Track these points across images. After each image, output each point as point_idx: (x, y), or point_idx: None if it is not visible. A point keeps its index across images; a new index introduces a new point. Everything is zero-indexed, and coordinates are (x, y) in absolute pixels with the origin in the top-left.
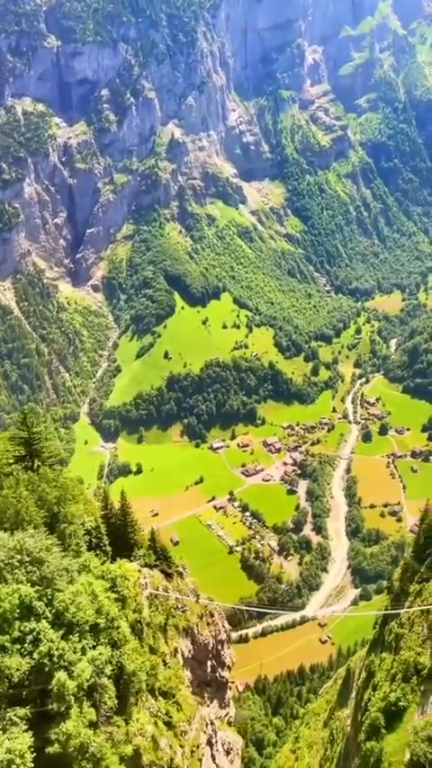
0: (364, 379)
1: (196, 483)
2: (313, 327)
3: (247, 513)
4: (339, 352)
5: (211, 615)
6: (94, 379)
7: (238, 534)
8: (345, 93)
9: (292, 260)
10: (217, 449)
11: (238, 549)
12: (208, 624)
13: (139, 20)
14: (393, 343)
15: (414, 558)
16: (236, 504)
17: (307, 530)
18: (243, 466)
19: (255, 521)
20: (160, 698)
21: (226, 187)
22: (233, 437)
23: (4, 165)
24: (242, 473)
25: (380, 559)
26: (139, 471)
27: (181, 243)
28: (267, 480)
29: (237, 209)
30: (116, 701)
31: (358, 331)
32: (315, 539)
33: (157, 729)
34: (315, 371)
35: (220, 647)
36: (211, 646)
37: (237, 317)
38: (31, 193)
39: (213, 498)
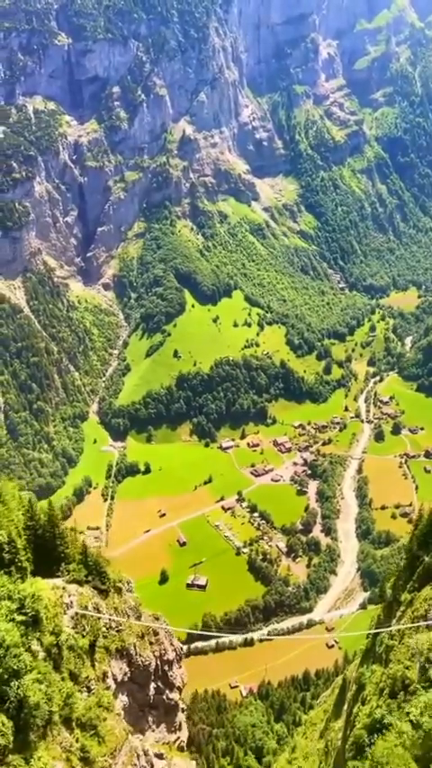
0: (377, 378)
1: (205, 483)
2: (326, 325)
3: (256, 514)
4: (353, 350)
5: (156, 634)
6: (103, 378)
7: (245, 535)
8: (360, 88)
9: (306, 257)
10: (226, 448)
11: (246, 550)
12: (151, 644)
13: (150, 16)
14: (408, 340)
15: (407, 567)
16: (244, 504)
17: (316, 531)
18: (252, 466)
19: (263, 522)
20: (78, 730)
21: (238, 184)
22: (243, 436)
23: (14, 164)
24: (251, 473)
25: (390, 562)
26: (147, 471)
27: (192, 240)
28: (277, 480)
29: (249, 205)
30: (12, 739)
31: (372, 329)
32: (324, 540)
33: (68, 767)
34: (327, 370)
35: (166, 667)
36: (153, 667)
37: (248, 315)
38: (42, 192)
39: (222, 498)
